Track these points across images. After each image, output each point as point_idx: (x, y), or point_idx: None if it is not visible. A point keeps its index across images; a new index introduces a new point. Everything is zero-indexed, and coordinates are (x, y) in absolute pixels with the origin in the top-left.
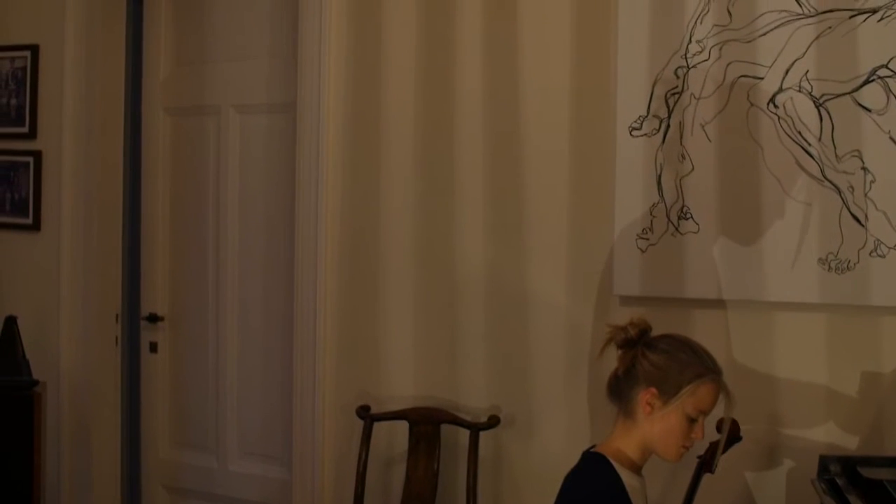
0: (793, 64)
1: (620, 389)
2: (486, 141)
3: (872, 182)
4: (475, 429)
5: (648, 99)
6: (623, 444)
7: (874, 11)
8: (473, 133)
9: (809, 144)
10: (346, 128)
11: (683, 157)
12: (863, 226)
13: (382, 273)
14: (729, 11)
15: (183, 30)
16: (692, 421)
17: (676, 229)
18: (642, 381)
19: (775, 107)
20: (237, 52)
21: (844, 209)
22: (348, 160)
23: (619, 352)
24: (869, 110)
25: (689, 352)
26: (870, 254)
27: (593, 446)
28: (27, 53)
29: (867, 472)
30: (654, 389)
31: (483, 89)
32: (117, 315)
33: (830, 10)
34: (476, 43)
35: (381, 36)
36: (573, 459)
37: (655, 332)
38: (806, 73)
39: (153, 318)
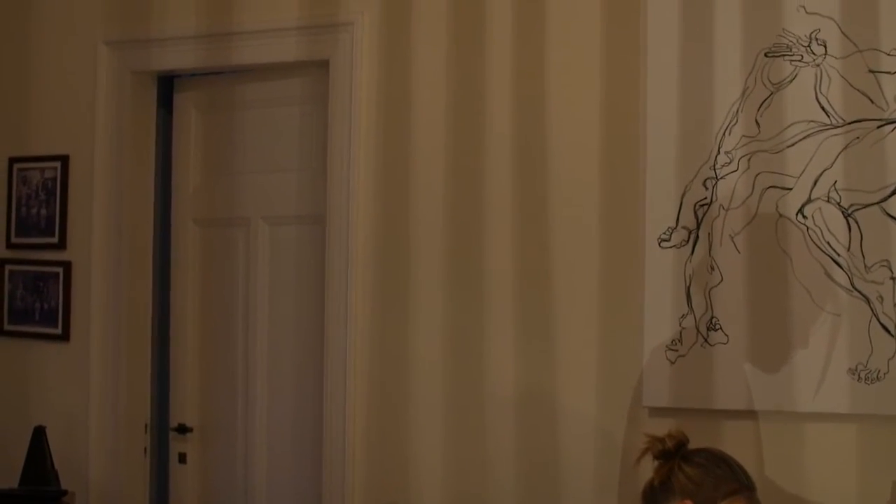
0: (821, 174)
1: (655, 500)
2: (514, 253)
3: None
4: None
5: (677, 210)
6: None
7: None
8: (502, 246)
9: (838, 255)
10: (376, 240)
11: (712, 269)
12: (892, 336)
13: (413, 382)
14: (757, 122)
15: (212, 141)
16: None
17: (706, 340)
18: (678, 492)
19: (804, 217)
20: (266, 164)
21: (874, 319)
22: (377, 271)
23: (656, 463)
24: None
25: (724, 467)
26: None
27: None
28: (57, 164)
29: None
30: (689, 502)
31: (512, 204)
32: (146, 425)
33: (858, 121)
34: (505, 159)
35: (409, 151)
36: None
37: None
38: (834, 184)
39: (182, 430)
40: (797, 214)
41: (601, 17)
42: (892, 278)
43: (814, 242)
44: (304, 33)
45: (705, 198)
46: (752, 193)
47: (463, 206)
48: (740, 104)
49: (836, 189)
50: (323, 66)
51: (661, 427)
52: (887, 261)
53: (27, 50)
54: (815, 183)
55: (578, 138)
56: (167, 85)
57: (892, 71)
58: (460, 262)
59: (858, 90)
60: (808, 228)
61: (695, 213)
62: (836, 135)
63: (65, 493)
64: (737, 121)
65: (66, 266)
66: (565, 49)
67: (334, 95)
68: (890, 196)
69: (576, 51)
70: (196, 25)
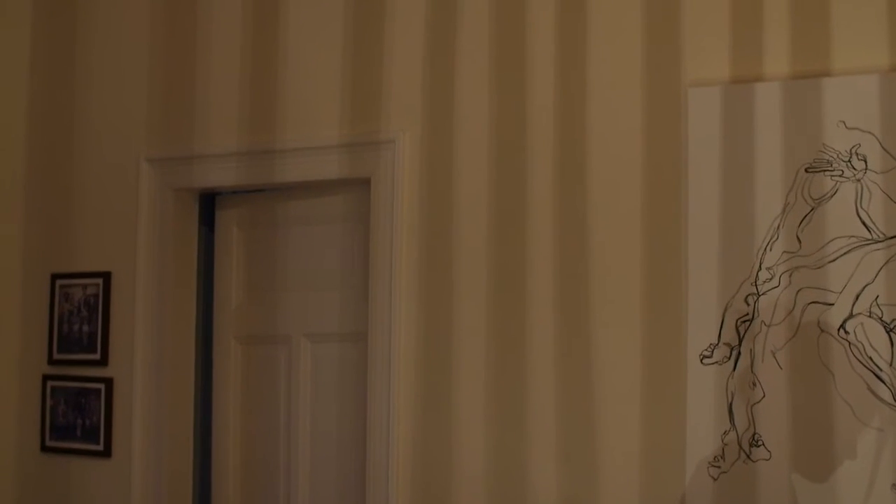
0: (863, 289)
1: None
2: (557, 370)
3: None
4: None
5: (719, 327)
6: None
7: None
8: (545, 362)
9: (881, 370)
10: (417, 357)
11: (754, 385)
12: None
13: (455, 498)
14: (798, 238)
15: (254, 258)
16: None
17: (748, 457)
18: None
19: (846, 332)
20: (308, 282)
21: None
22: (419, 388)
23: None
24: None
25: None
26: None
27: None
28: (99, 281)
29: None
30: None
31: (554, 321)
32: None
33: None
34: (547, 277)
35: (451, 268)
36: None
37: None
38: (876, 298)
39: None
40: (839, 330)
41: (641, 131)
42: None
43: (856, 358)
44: (345, 151)
45: (747, 314)
46: (793, 309)
47: (504, 322)
48: (781, 220)
49: (877, 304)
50: (365, 183)
51: None
52: None
53: (70, 166)
54: (856, 298)
55: (621, 255)
56: (209, 202)
57: None
58: (503, 378)
59: None
60: (850, 344)
61: (737, 329)
62: (877, 249)
63: None
64: (778, 236)
65: (108, 382)
66: (607, 163)
67: (376, 213)
68: None
69: (617, 165)
70: (238, 143)
